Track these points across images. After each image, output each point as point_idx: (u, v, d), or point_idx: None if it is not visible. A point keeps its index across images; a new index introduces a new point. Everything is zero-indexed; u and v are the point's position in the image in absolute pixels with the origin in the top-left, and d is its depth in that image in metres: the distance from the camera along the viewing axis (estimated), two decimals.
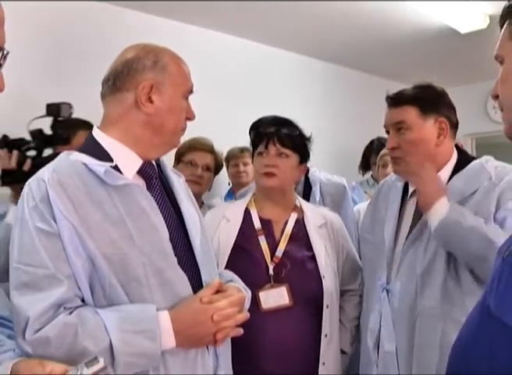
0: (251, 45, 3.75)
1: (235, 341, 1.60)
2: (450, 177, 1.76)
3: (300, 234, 1.95)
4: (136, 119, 1.34)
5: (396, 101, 1.79)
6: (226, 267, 1.79)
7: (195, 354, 1.28)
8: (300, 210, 2.02)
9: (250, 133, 2.04)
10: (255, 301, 1.78)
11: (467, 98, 4.63)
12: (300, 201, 2.07)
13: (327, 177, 2.67)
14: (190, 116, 1.42)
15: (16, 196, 1.91)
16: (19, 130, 1.99)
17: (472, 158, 1.80)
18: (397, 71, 4.43)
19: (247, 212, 1.97)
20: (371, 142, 3.63)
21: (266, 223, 1.95)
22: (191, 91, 1.42)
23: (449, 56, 4.08)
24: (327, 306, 1.86)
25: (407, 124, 1.75)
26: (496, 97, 1.01)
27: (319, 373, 1.83)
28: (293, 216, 1.98)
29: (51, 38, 2.72)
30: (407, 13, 3.31)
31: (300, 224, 1.97)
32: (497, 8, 3.12)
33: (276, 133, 1.93)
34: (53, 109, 1.98)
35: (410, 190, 1.85)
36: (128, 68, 1.34)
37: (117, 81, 1.35)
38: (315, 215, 2.03)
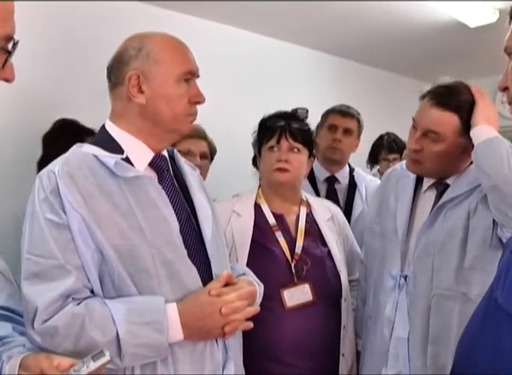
0: (259, 39, 3.73)
1: (259, 339, 1.66)
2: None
3: (312, 229, 1.96)
4: (133, 112, 1.33)
5: (441, 100, 1.63)
6: (247, 264, 1.79)
7: (204, 346, 1.28)
8: (307, 204, 2.02)
9: (259, 126, 2.02)
10: (278, 298, 1.80)
11: None
12: (305, 194, 2.07)
13: (370, 178, 2.74)
14: (199, 100, 1.37)
15: None
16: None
17: None
18: (405, 65, 4.41)
19: (256, 207, 1.96)
20: (381, 137, 3.59)
21: (279, 218, 1.94)
22: (191, 73, 1.36)
23: (458, 50, 4.05)
24: (344, 299, 1.89)
25: (441, 136, 1.63)
26: (504, 89, 1.00)
27: (340, 363, 1.86)
28: (303, 211, 1.98)
29: (56, 32, 2.72)
30: (415, 7, 3.28)
31: (311, 218, 1.98)
32: (507, 2, 3.10)
33: (288, 128, 1.91)
34: (302, 113, 2.29)
35: (426, 183, 1.80)
36: (118, 61, 1.34)
37: (112, 76, 1.35)
38: (322, 208, 2.04)
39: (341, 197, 2.59)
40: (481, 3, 3.25)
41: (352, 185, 2.65)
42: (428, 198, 1.78)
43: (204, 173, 2.49)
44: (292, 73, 3.93)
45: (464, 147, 1.64)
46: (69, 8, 2.74)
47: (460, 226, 1.62)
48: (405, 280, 1.72)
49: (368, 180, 2.69)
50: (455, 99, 1.63)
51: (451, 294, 1.60)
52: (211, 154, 2.57)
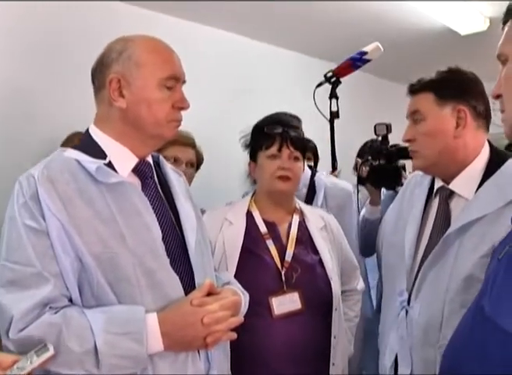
0: (248, 42, 3.72)
1: (247, 345, 1.65)
2: (483, 179, 1.55)
3: (304, 237, 1.94)
4: (115, 116, 1.31)
5: (412, 88, 1.66)
6: (237, 271, 1.78)
7: (185, 357, 1.25)
8: (300, 212, 2.00)
9: (253, 132, 1.99)
10: (267, 306, 1.78)
11: None
12: (299, 203, 2.06)
13: (333, 182, 2.64)
14: (182, 105, 1.34)
15: None
16: None
17: (508, 156, 1.59)
18: (397, 71, 4.42)
19: (249, 215, 1.95)
20: (365, 144, 3.60)
21: (271, 226, 1.93)
22: (175, 78, 1.33)
23: (449, 58, 4.03)
24: (335, 309, 1.86)
25: (421, 114, 1.61)
26: (497, 97, 0.98)
27: (330, 372, 1.84)
28: (296, 219, 1.96)
29: (42, 34, 2.67)
30: (407, 14, 3.29)
31: (303, 227, 1.96)
32: (497, 10, 3.11)
33: (288, 135, 1.89)
34: (381, 129, 2.33)
35: (436, 187, 1.66)
36: (100, 64, 1.32)
37: (95, 80, 1.34)
38: (315, 217, 2.02)
39: None
40: (472, 11, 3.25)
41: (311, 191, 2.58)
42: (434, 206, 1.66)
43: (188, 181, 2.43)
44: (280, 77, 3.92)
45: (450, 121, 1.58)
46: (60, 9, 2.71)
47: (477, 277, 1.39)
48: (406, 313, 1.60)
49: (328, 185, 2.59)
50: (422, 82, 1.65)
51: None
52: (197, 163, 2.53)
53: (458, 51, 3.87)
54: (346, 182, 2.76)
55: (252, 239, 1.88)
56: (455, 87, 1.60)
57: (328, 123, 2.60)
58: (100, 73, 1.32)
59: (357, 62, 2.51)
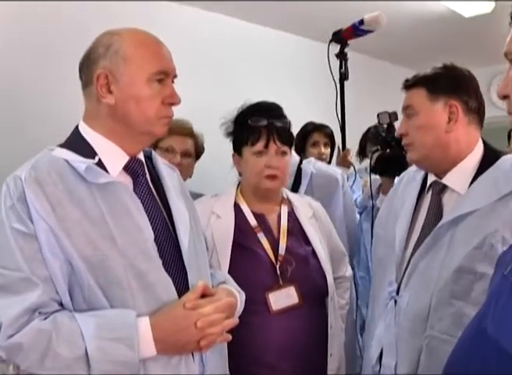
0: (247, 26, 3.68)
1: (245, 344, 1.64)
2: (476, 175, 1.55)
3: (295, 228, 1.90)
4: (104, 113, 1.27)
5: (406, 83, 1.66)
6: (230, 267, 1.74)
7: (179, 360, 1.22)
8: (288, 202, 1.96)
9: (236, 124, 1.90)
10: (264, 302, 1.75)
11: None
12: (286, 192, 2.01)
13: (320, 168, 2.58)
14: (173, 101, 1.29)
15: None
16: None
17: (501, 154, 1.60)
18: (400, 54, 4.37)
19: (236, 207, 1.89)
20: (368, 130, 3.56)
21: (260, 218, 1.88)
22: (165, 73, 1.28)
23: (453, 40, 4.02)
24: (330, 298, 1.84)
25: (413, 108, 1.61)
26: (504, 97, 0.94)
27: (328, 364, 1.82)
28: (285, 209, 1.92)
29: (31, 21, 2.63)
30: None
31: (292, 217, 1.92)
32: None
33: (275, 129, 1.81)
34: (384, 118, 2.30)
35: (429, 182, 1.66)
36: (87, 59, 1.28)
37: (82, 75, 1.30)
38: (304, 206, 1.98)
39: None
40: None
41: (297, 180, 2.51)
42: (426, 200, 1.66)
43: (186, 171, 2.39)
44: (278, 60, 3.86)
45: (442, 116, 1.58)
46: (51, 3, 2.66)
47: (468, 268, 1.43)
48: (395, 303, 1.59)
49: (314, 172, 2.54)
50: (415, 78, 1.66)
51: (448, 339, 1.39)
52: (197, 152, 2.46)
53: (462, 33, 3.83)
54: (335, 168, 2.71)
55: (242, 233, 1.83)
56: (447, 82, 1.60)
57: (338, 83, 2.61)
58: (87, 68, 1.27)
59: (357, 30, 2.51)
